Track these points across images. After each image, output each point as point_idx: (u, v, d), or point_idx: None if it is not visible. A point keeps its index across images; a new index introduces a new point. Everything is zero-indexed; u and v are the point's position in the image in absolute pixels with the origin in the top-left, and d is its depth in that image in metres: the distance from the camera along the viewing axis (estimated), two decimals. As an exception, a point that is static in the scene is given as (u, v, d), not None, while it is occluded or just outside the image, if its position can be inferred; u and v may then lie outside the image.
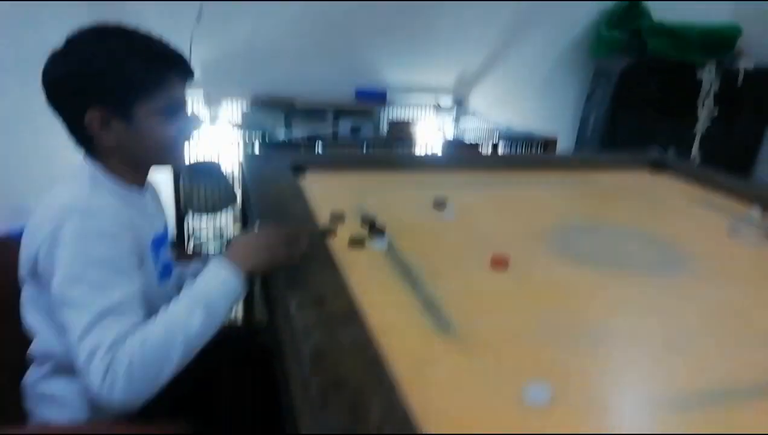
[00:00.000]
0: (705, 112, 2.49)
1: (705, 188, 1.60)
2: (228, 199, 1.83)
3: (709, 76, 2.47)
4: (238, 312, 2.00)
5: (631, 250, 1.17)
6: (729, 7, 2.85)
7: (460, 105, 2.70)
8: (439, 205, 1.32)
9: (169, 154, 0.92)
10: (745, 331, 0.86)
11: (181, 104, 0.90)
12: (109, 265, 0.80)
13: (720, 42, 2.57)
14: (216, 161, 1.84)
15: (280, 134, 1.99)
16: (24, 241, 0.86)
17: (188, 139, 0.94)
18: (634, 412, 0.68)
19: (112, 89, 0.84)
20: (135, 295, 0.82)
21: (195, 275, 1.05)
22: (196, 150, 1.87)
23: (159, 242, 0.95)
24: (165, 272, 0.98)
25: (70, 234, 0.79)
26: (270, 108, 2.39)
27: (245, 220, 1.35)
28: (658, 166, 1.77)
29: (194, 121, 0.94)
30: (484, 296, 0.92)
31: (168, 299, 0.94)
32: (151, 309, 0.86)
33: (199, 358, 0.91)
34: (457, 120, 2.44)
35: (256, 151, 1.84)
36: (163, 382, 0.78)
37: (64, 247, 0.79)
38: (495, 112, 2.65)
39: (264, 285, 0.93)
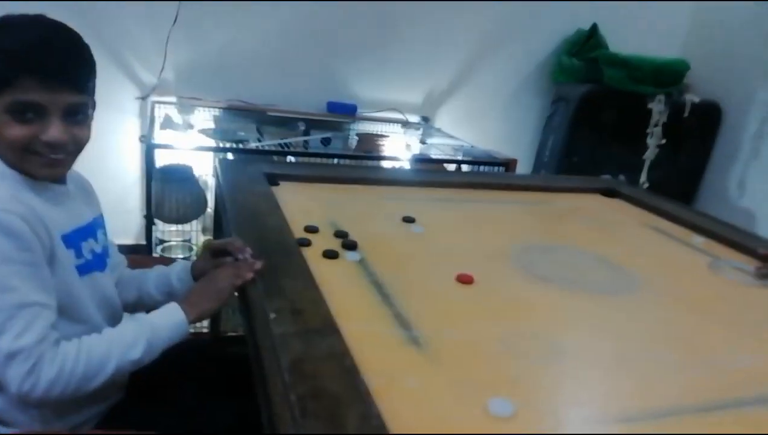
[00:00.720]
0: (654, 140, 2.64)
1: (653, 214, 1.71)
2: (199, 208, 1.84)
3: (658, 107, 2.63)
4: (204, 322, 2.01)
5: (587, 271, 1.25)
6: (678, 43, 3.05)
7: (427, 123, 2.79)
8: (408, 220, 1.38)
9: (21, 161, 0.85)
10: (689, 351, 0.95)
11: (35, 108, 0.82)
12: (15, 262, 0.79)
13: (670, 75, 2.74)
14: (188, 165, 1.84)
15: (252, 142, 2.01)
16: None
17: (46, 151, 0.85)
18: (588, 426, 0.74)
19: None
20: (47, 290, 0.83)
21: (158, 277, 1.13)
22: (167, 156, 1.88)
23: (82, 233, 0.95)
24: (95, 263, 0.97)
25: None
26: (242, 116, 2.41)
27: (219, 226, 1.37)
28: (611, 191, 1.88)
29: (52, 134, 0.84)
30: (450, 310, 0.98)
31: (101, 289, 0.99)
32: (69, 300, 0.90)
33: (170, 367, 0.96)
34: (423, 137, 2.51)
35: (229, 157, 1.85)
36: (81, 394, 0.83)
37: None
38: (460, 132, 2.74)
39: (241, 295, 0.96)
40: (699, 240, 1.53)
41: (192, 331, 1.86)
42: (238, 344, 0.94)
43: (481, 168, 2.26)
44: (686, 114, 2.75)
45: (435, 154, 2.29)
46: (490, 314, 0.99)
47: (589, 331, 0.98)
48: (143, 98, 2.43)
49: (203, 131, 2.05)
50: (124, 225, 2.46)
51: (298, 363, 0.73)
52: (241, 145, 1.95)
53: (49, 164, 0.87)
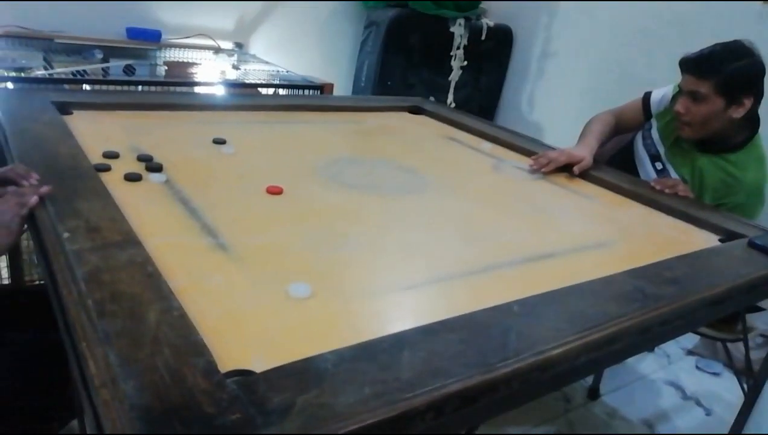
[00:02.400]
0: (457, 62, 2.87)
1: (451, 126, 1.90)
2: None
3: (459, 30, 2.84)
4: (2, 271, 1.84)
5: (387, 177, 1.37)
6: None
7: (241, 49, 2.71)
8: (219, 142, 1.38)
9: None
10: (466, 232, 1.11)
11: None
12: None
13: (468, 0, 2.95)
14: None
15: (38, 71, 1.81)
16: None
17: None
18: (377, 295, 0.85)
19: None
20: None
21: None
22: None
23: None
24: None
25: None
26: (24, 44, 2.13)
27: (3, 163, 1.25)
28: (417, 109, 2.04)
29: None
30: (257, 219, 1.03)
31: None
32: None
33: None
34: (237, 63, 2.45)
35: (9, 87, 1.66)
36: None
37: None
38: (275, 58, 2.71)
39: (31, 222, 0.91)
40: (487, 146, 1.74)
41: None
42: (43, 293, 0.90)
43: (298, 93, 2.28)
44: (483, 37, 3.00)
45: (249, 80, 2.26)
46: (295, 219, 1.06)
47: (383, 224, 1.10)
48: None
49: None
50: None
51: (95, 273, 0.74)
52: (23, 74, 1.75)
53: None
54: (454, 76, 2.89)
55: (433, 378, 0.63)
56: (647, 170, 1.67)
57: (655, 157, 1.66)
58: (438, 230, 1.11)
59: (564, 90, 3.05)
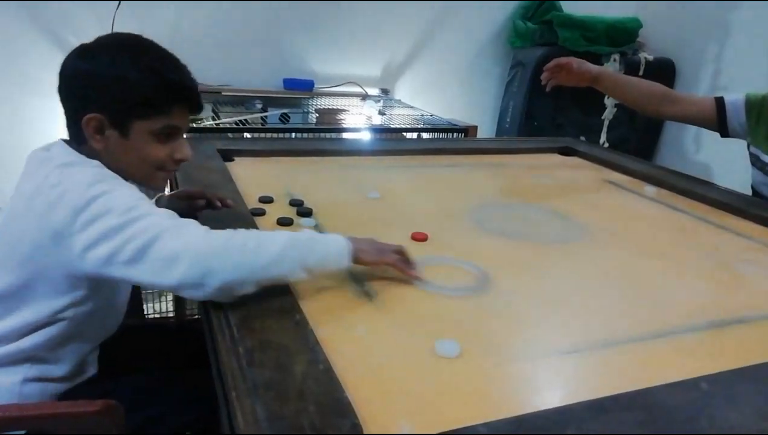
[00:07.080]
0: (611, 100, 2.68)
1: (608, 168, 1.75)
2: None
3: (613, 66, 2.66)
4: (169, 305, 2.00)
5: (539, 224, 1.28)
6: (631, 3, 3.08)
7: (387, 95, 2.78)
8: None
9: (149, 176, 0.94)
10: (632, 289, 0.98)
11: (177, 133, 0.94)
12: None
13: (623, 34, 2.77)
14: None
15: (207, 121, 1.99)
16: None
17: (173, 168, 0.96)
18: (531, 359, 0.77)
19: (115, 101, 0.87)
20: None
21: None
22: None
23: None
24: None
25: None
26: (197, 97, 2.38)
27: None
28: (568, 150, 1.92)
29: (185, 152, 0.95)
30: (403, 267, 1.00)
31: None
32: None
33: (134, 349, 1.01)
34: (383, 109, 2.52)
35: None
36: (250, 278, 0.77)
37: None
38: (420, 102, 2.75)
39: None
40: (651, 190, 1.57)
41: (157, 316, 1.86)
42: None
43: (442, 136, 2.27)
44: (641, 72, 2.79)
45: (394, 125, 2.29)
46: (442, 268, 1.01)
47: (538, 276, 1.01)
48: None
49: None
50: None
51: (247, 319, 0.74)
52: (194, 124, 1.93)
53: (168, 177, 1.01)
54: (608, 114, 2.70)
55: (608, 470, 0.53)
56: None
57: None
58: (601, 285, 0.99)
59: (738, 126, 2.72)
